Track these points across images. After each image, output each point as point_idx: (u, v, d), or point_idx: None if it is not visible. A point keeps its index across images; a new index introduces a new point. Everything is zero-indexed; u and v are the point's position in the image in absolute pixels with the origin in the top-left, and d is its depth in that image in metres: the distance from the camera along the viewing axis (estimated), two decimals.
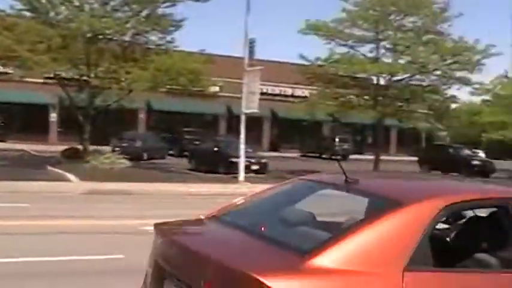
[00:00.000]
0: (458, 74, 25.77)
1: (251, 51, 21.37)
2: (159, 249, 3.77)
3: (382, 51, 26.21)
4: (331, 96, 26.29)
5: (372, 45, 26.05)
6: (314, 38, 25.68)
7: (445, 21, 25.46)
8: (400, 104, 26.77)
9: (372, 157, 28.27)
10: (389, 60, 26.05)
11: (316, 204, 4.14)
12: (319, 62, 25.89)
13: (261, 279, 2.77)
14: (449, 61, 25.04)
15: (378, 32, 25.49)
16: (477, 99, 34.17)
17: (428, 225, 3.19)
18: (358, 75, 26.28)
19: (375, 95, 26.10)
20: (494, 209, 3.82)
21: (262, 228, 3.68)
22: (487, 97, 32.55)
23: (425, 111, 29.46)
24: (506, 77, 32.91)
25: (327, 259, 2.94)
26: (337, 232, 3.29)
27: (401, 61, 25.71)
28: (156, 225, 3.96)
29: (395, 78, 26.08)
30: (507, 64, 35.32)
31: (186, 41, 29.70)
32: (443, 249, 3.57)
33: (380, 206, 3.38)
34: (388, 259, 3.01)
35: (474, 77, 26.37)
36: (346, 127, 45.24)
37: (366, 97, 26.64)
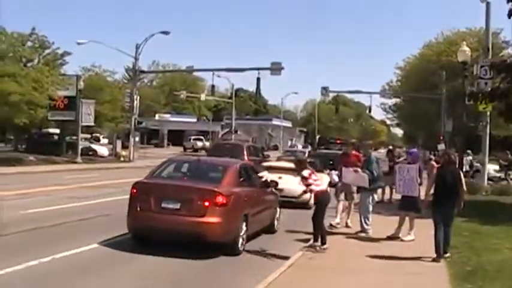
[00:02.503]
0: None
1: None
2: (152, 189, 9.87)
3: None
4: None
5: None
6: None
7: None
8: None
9: None
10: None
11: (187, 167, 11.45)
12: None
13: (215, 189, 9.83)
14: None
15: None
16: None
17: (240, 171, 11.17)
18: None
19: None
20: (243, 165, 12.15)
21: (185, 178, 10.72)
22: None
23: None
24: None
25: (224, 183, 10.27)
26: (220, 175, 10.61)
27: None
28: (136, 183, 10.15)
29: None
30: None
31: None
32: (244, 179, 11.17)
33: (222, 167, 11.08)
34: (235, 183, 10.63)
35: None
36: None
37: None
